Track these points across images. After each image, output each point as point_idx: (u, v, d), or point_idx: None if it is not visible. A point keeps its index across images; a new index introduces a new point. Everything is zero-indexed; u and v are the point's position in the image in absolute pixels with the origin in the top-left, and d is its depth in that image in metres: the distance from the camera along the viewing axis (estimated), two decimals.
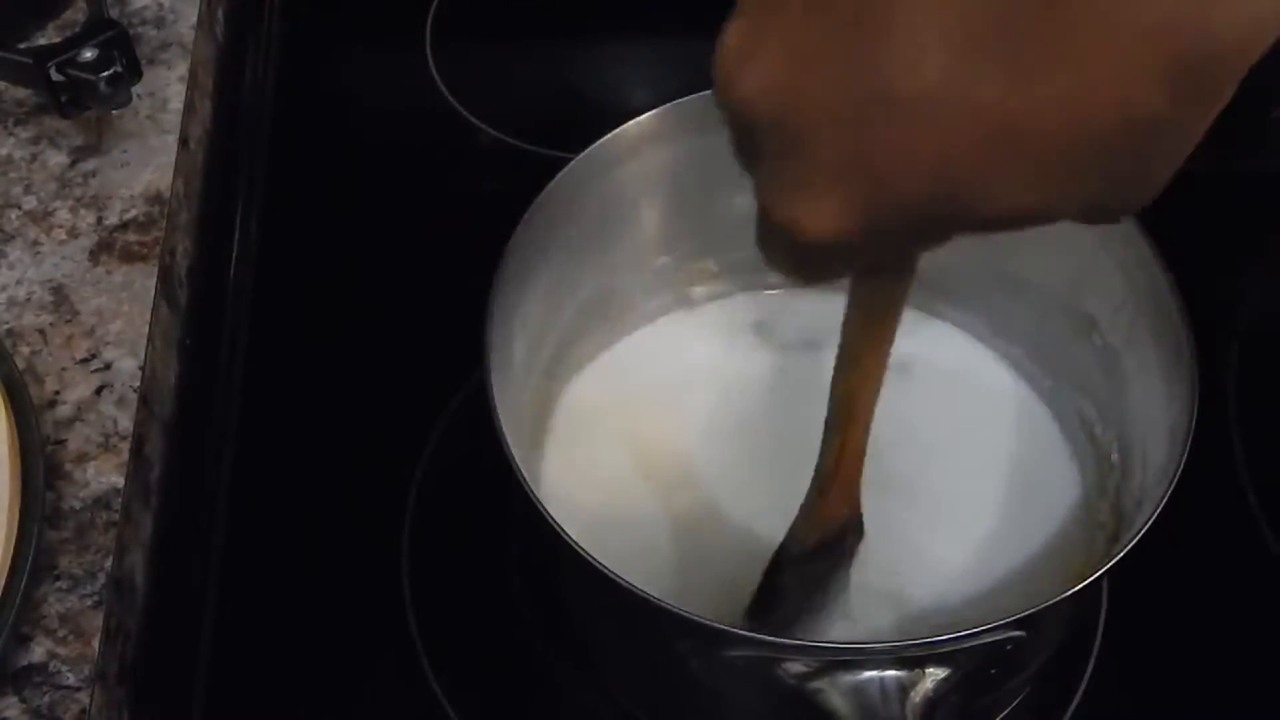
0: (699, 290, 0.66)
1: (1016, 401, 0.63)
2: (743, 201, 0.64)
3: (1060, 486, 0.60)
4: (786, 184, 0.35)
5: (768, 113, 0.34)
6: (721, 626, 0.46)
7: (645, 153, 0.60)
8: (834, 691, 0.46)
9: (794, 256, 0.37)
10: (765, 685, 0.47)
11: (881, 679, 0.45)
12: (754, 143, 0.36)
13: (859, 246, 0.35)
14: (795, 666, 0.46)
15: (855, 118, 0.32)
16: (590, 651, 0.60)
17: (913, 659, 0.46)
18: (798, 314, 0.66)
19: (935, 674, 0.46)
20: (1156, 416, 0.53)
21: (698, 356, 0.65)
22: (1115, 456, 0.58)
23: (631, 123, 0.59)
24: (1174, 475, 0.48)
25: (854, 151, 0.33)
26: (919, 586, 0.57)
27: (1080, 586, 0.47)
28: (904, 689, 0.45)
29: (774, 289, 0.67)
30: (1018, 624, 0.46)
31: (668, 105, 0.59)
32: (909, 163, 0.32)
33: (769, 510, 0.60)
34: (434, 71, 0.82)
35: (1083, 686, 0.59)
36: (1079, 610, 0.58)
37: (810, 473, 0.61)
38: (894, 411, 0.62)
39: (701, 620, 0.46)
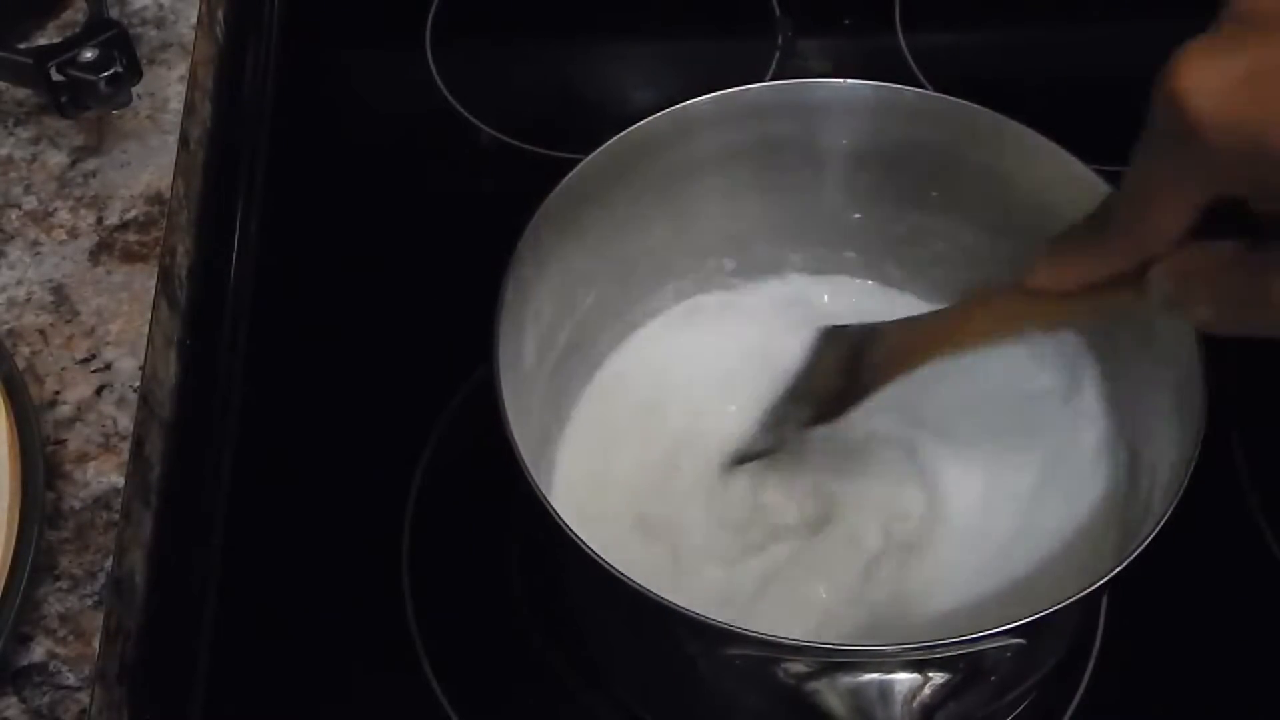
0: (712, 289, 0.67)
1: (1035, 411, 0.63)
2: (757, 202, 0.64)
3: (1076, 494, 0.59)
4: None
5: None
6: (723, 625, 0.46)
7: (658, 152, 0.60)
8: (831, 692, 0.46)
9: None
10: (765, 685, 0.47)
11: (880, 681, 0.45)
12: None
13: None
14: (795, 666, 0.46)
15: None
16: (592, 650, 0.60)
17: (912, 662, 0.46)
18: (810, 311, 0.66)
19: (934, 679, 0.45)
20: (1164, 429, 0.53)
21: (709, 355, 0.65)
22: (1124, 466, 0.58)
23: (644, 121, 0.59)
24: (1178, 491, 0.48)
25: None
26: (926, 590, 0.57)
27: (1081, 595, 0.47)
28: (902, 692, 0.45)
29: (789, 285, 0.67)
30: (1017, 631, 0.46)
31: (682, 105, 0.59)
32: None
33: (777, 507, 0.60)
34: (434, 71, 0.82)
35: (1081, 688, 0.59)
36: (1081, 619, 0.58)
37: (815, 475, 0.61)
38: (911, 411, 0.63)
39: (703, 619, 0.46)
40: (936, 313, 0.56)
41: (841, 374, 0.57)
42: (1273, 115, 0.36)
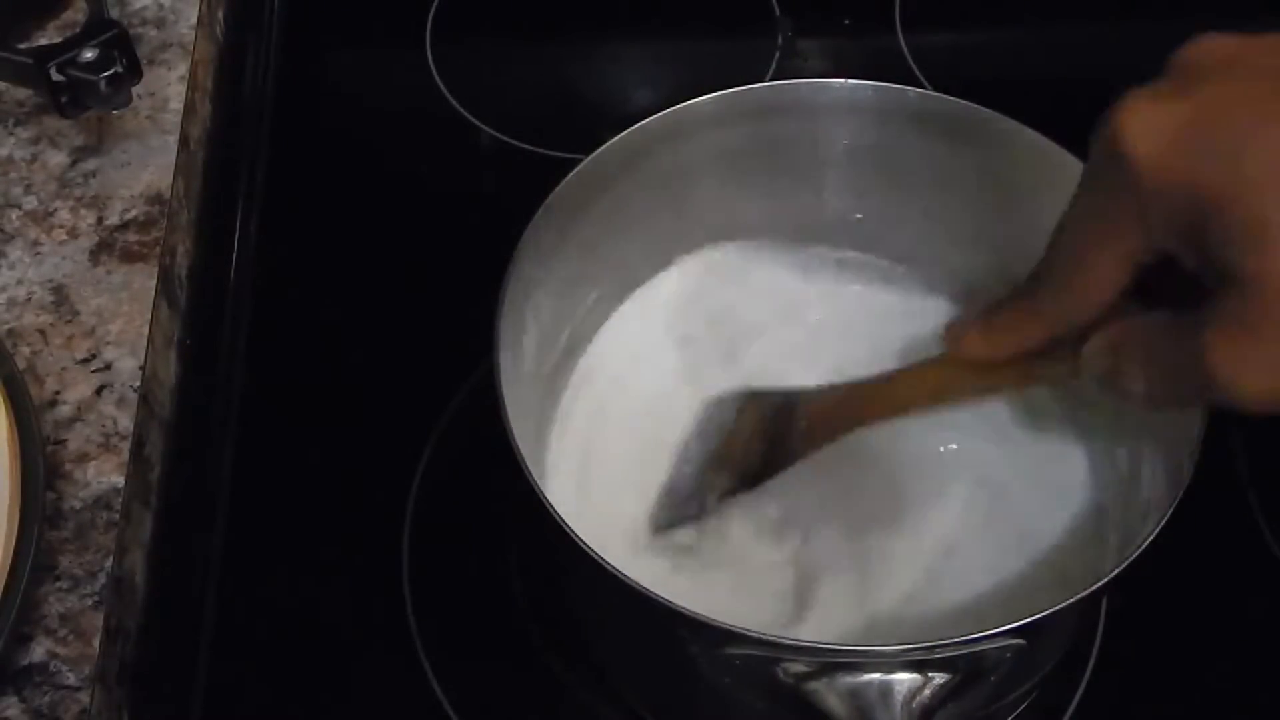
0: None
1: (1035, 412, 0.63)
2: (757, 203, 0.64)
3: (1074, 498, 0.59)
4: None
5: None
6: (723, 625, 0.46)
7: (658, 152, 0.60)
8: (831, 692, 0.46)
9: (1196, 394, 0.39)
10: (765, 685, 0.47)
11: (880, 682, 0.45)
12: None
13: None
14: (795, 666, 0.46)
15: None
16: (591, 649, 0.60)
17: (912, 663, 0.46)
18: (811, 312, 0.66)
19: (934, 679, 0.45)
20: (1165, 429, 0.53)
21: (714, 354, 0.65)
22: (1126, 469, 0.58)
23: (644, 121, 0.59)
24: (1177, 495, 0.48)
25: None
26: (926, 590, 0.57)
27: (1080, 596, 0.47)
28: (902, 693, 0.45)
29: (790, 286, 0.67)
30: (1017, 631, 0.46)
31: (682, 105, 0.59)
32: None
33: (780, 508, 0.60)
34: (434, 71, 0.82)
35: (1081, 688, 0.59)
36: (1081, 619, 0.58)
37: (811, 473, 0.61)
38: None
39: (703, 619, 0.46)
40: (868, 381, 0.55)
41: (764, 440, 0.56)
42: (1210, 162, 0.36)
